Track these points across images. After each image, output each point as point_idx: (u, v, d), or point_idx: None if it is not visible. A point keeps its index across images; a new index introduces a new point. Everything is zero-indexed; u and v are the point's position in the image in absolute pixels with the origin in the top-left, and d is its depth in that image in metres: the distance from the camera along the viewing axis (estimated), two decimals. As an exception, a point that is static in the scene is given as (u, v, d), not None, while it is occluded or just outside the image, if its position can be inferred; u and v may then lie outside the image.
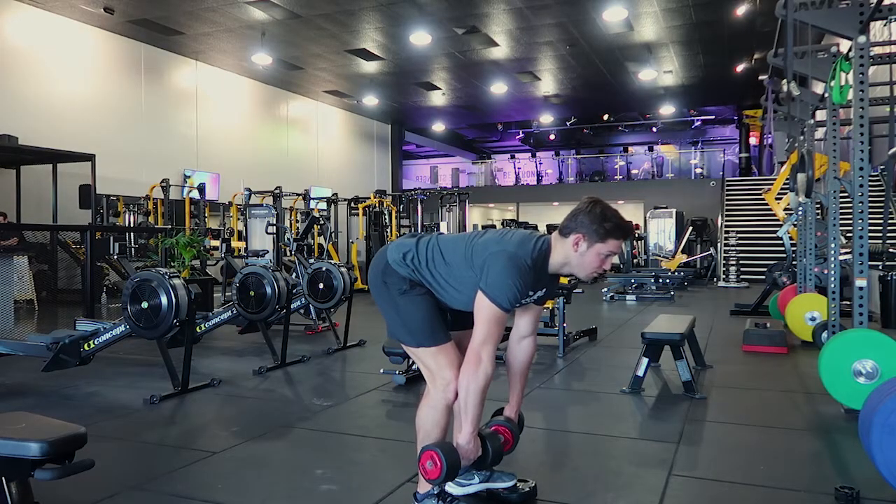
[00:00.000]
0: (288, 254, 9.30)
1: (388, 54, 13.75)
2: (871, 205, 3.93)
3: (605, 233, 2.21)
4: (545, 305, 6.51)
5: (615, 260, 16.28)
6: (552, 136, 26.70)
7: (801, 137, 6.89)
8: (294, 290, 5.82)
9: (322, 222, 9.95)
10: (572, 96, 18.08)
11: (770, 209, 10.46)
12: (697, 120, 24.53)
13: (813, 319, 5.99)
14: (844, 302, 4.91)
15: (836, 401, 3.85)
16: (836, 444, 3.41)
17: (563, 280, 6.66)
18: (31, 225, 10.83)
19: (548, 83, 16.50)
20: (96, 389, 4.58)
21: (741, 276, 13.48)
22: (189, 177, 13.44)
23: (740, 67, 14.98)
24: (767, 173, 19.70)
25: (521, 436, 2.60)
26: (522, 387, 2.58)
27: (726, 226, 15.30)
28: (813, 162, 5.33)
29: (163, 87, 13.49)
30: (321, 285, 6.09)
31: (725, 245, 13.70)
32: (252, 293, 5.33)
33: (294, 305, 6.12)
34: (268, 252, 8.88)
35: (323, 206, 14.57)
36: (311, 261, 6.68)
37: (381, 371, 4.83)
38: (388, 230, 14.28)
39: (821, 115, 6.14)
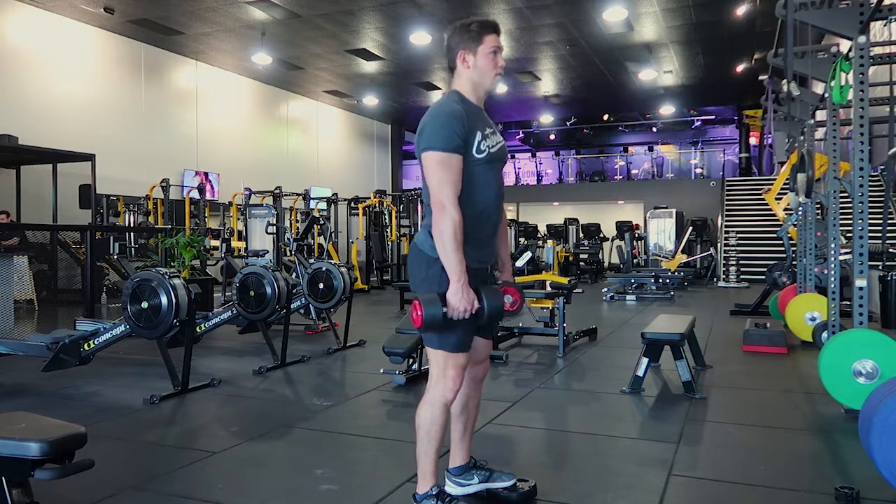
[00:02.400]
0: (288, 254, 9.30)
1: (388, 54, 13.75)
2: (871, 205, 3.93)
3: (476, 34, 2.34)
4: (545, 305, 6.55)
5: (615, 259, 16.36)
6: (552, 136, 26.69)
7: (801, 137, 6.88)
8: (294, 290, 5.81)
9: (322, 222, 9.95)
10: (572, 96, 18.08)
11: (770, 209, 10.46)
12: (697, 120, 24.54)
13: (813, 319, 5.99)
14: (844, 302, 4.91)
15: (836, 401, 3.84)
16: (836, 444, 3.41)
17: (563, 280, 6.68)
18: (32, 225, 10.83)
19: (548, 83, 16.50)
20: (96, 389, 4.57)
21: (741, 276, 13.48)
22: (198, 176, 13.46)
23: (740, 67, 14.98)
24: (767, 173, 19.71)
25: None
26: (507, 247, 2.61)
27: (726, 226, 15.30)
28: (813, 162, 5.34)
29: (163, 87, 13.49)
30: (321, 285, 6.09)
31: (725, 245, 13.70)
32: (252, 293, 5.33)
33: (294, 305, 6.12)
34: (268, 252, 8.87)
35: (323, 206, 14.58)
36: (311, 261, 6.69)
37: (381, 371, 4.84)
38: (388, 230, 14.29)
39: (821, 115, 6.14)
